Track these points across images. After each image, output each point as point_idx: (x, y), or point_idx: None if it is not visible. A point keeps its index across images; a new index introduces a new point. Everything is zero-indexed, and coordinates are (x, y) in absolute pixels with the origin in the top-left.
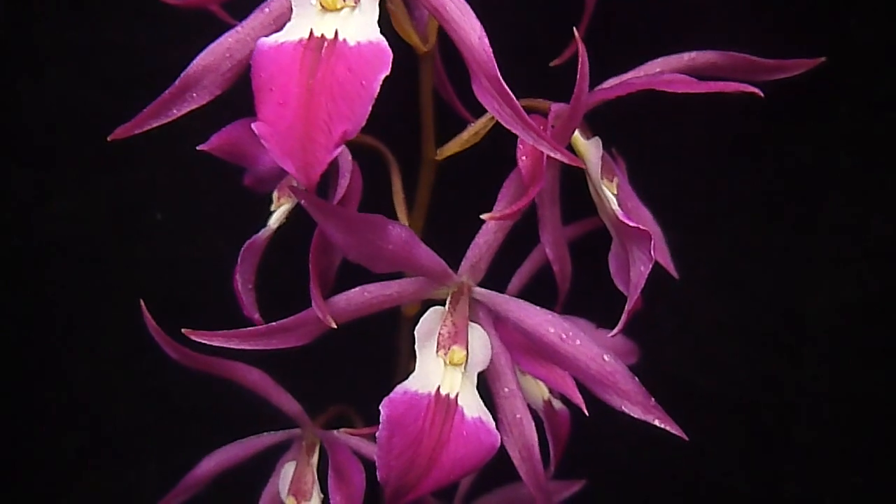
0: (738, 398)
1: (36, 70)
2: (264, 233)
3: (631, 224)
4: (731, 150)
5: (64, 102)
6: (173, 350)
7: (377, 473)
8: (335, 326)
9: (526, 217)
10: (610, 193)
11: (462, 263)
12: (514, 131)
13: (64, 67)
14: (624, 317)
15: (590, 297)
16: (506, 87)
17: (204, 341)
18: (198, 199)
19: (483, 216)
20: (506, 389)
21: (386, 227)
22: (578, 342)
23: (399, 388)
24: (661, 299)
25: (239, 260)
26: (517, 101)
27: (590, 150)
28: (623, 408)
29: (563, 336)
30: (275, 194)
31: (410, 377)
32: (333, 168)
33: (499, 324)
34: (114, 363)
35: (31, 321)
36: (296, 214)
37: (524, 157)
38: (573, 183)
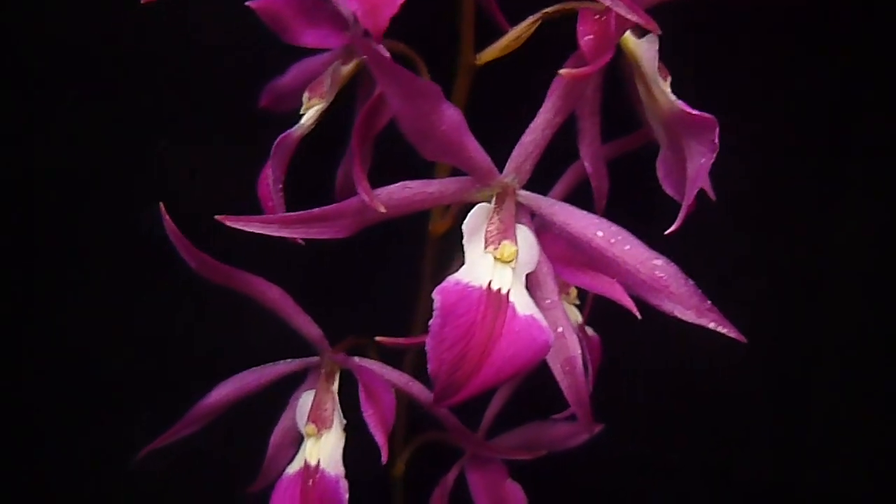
0: (762, 337)
1: None
2: (297, 130)
3: (695, 113)
4: (760, 76)
5: (63, 21)
6: (193, 259)
7: (428, 367)
8: (384, 210)
9: (562, 139)
10: (668, 89)
11: (507, 164)
12: None
13: None
14: (682, 214)
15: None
16: None
17: (239, 226)
18: (205, 127)
19: (561, 71)
20: (547, 300)
21: (441, 102)
22: (628, 247)
23: (451, 279)
24: (688, 234)
25: (271, 154)
26: None
27: (642, 47)
28: (675, 313)
29: (613, 240)
30: (305, 95)
31: (461, 270)
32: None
33: (541, 233)
34: (107, 305)
35: (22, 259)
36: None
37: (588, 37)
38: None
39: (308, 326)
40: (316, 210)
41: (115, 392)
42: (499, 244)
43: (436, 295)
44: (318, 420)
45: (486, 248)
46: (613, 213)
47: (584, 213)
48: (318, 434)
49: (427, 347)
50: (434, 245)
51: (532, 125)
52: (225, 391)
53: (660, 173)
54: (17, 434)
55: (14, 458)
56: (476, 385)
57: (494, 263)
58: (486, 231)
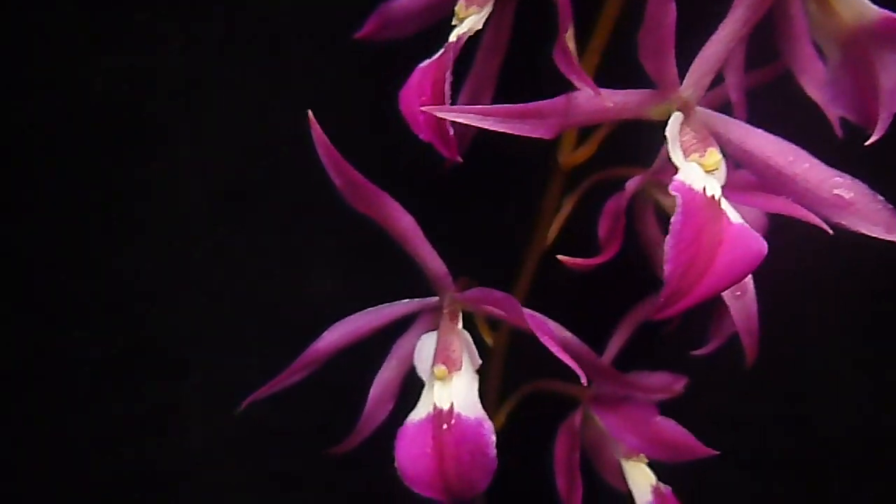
0: (853, 286)
1: None
2: (464, 36)
3: None
4: None
5: None
6: (339, 174)
7: (665, 268)
8: (611, 104)
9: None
10: None
11: (686, 77)
12: None
13: None
14: (881, 126)
15: None
16: None
17: (453, 117)
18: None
19: None
20: None
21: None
22: (807, 165)
23: (677, 179)
24: None
25: (452, 56)
26: None
27: None
28: (861, 229)
29: (791, 158)
30: (461, 4)
31: (679, 173)
32: None
33: None
34: (154, 262)
35: (69, 207)
36: None
37: None
38: None
39: (433, 262)
40: (530, 104)
41: (158, 356)
42: (704, 152)
43: (676, 191)
44: (448, 361)
45: (686, 157)
46: None
47: (761, 131)
48: (449, 376)
49: (666, 247)
50: (560, 179)
51: (715, 37)
52: (336, 334)
53: (826, 96)
54: (75, 390)
55: (73, 412)
56: (699, 292)
57: (701, 171)
58: (682, 141)
